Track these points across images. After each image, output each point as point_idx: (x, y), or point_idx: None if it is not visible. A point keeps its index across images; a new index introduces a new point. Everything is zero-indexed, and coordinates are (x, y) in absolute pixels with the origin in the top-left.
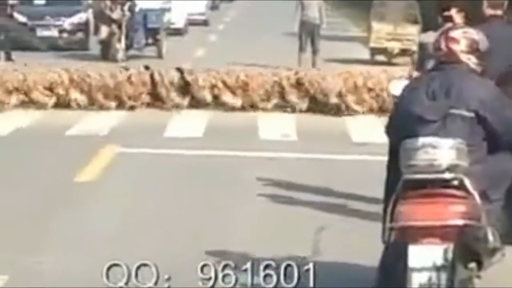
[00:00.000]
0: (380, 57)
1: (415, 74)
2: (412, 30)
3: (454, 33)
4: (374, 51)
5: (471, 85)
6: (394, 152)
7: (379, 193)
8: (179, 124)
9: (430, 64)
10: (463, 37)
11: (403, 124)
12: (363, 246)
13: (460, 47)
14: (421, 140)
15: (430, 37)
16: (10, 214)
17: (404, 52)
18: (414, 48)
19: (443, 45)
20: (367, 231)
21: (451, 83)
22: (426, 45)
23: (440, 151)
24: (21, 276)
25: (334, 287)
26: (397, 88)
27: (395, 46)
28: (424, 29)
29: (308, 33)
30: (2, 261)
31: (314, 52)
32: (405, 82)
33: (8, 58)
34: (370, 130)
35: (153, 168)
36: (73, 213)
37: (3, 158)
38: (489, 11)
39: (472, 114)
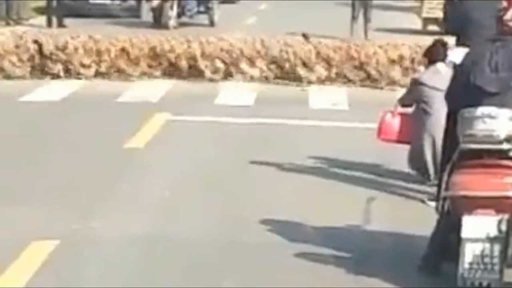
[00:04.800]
0: (433, 27)
1: (400, 109)
2: None
3: None
4: (427, 21)
5: None
6: (452, 121)
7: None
8: (230, 92)
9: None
10: None
11: (463, 94)
12: (414, 215)
13: None
14: (480, 109)
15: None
16: (60, 180)
17: None
18: None
19: None
20: (418, 202)
21: None
22: (426, 84)
23: (498, 122)
24: (71, 241)
25: (386, 255)
26: (457, 56)
27: None
28: None
29: (361, 2)
30: (53, 226)
31: (366, 20)
32: (466, 50)
33: (60, 24)
34: None
35: (203, 136)
36: (123, 179)
37: (54, 124)
38: None
39: None
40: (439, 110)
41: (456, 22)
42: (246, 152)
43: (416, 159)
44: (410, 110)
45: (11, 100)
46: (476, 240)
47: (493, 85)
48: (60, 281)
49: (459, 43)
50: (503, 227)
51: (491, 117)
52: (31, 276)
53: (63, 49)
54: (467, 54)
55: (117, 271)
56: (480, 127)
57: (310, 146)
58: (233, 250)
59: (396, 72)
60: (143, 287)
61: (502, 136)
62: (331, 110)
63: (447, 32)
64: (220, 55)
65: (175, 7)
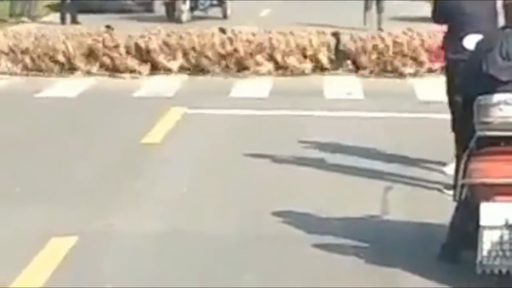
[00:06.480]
0: None
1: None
2: None
3: None
4: None
5: None
6: (465, 108)
7: (445, 151)
8: (245, 85)
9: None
10: None
11: (476, 83)
12: (431, 204)
13: None
14: (496, 97)
15: None
16: (78, 177)
17: None
18: None
19: None
20: (435, 191)
21: None
22: None
23: None
24: (90, 237)
25: (404, 245)
26: (471, 42)
27: None
28: None
29: None
30: (71, 222)
31: (379, 10)
32: (479, 37)
33: (74, 21)
34: (436, 88)
35: (220, 129)
36: (141, 175)
37: (71, 120)
38: None
39: None
40: None
41: (445, 13)
42: (262, 144)
43: None
44: None
45: (27, 96)
46: (494, 227)
47: (505, 74)
48: (80, 277)
49: (451, 33)
50: None
51: (507, 104)
52: (51, 272)
53: None
54: (479, 42)
55: (136, 267)
56: (497, 114)
57: (326, 136)
58: (252, 243)
59: None
60: (163, 282)
61: None
62: (346, 100)
63: (436, 22)
64: None
65: (188, 1)
